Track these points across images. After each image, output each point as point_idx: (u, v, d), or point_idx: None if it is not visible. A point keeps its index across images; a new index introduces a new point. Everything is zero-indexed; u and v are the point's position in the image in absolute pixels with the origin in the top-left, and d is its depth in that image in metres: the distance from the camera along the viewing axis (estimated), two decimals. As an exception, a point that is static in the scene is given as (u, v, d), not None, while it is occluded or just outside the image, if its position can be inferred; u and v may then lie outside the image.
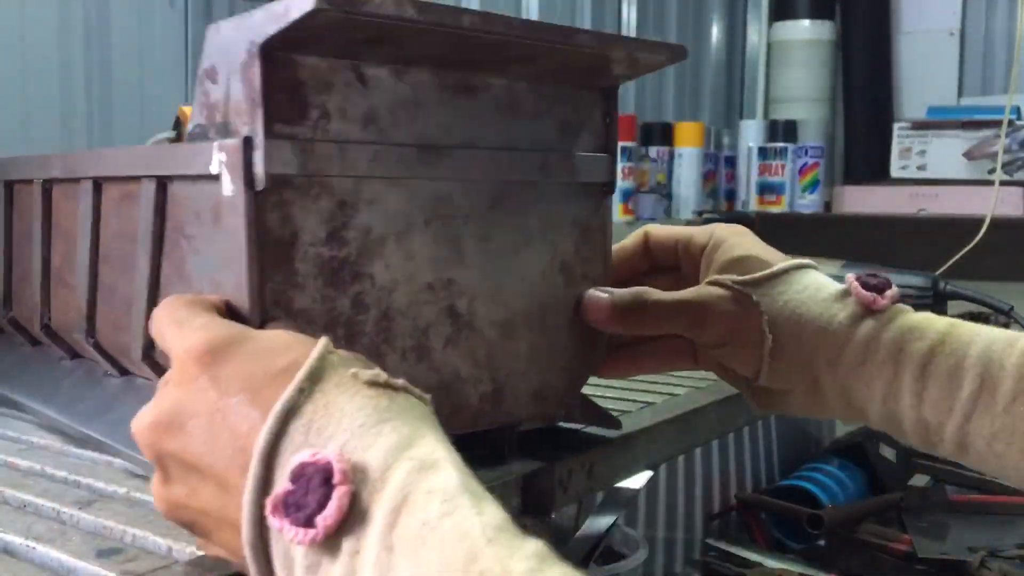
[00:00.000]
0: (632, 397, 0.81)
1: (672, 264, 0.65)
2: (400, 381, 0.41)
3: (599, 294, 0.59)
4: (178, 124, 1.05)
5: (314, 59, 0.48)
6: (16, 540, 0.49)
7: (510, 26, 0.48)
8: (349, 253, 0.50)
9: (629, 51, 0.54)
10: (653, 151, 2.38)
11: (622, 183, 2.20)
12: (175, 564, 0.46)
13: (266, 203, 0.47)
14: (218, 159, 0.48)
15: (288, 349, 0.41)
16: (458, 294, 0.55)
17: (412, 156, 0.52)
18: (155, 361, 0.60)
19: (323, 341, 0.41)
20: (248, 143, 0.47)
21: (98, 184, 0.67)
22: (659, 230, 0.65)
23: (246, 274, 0.47)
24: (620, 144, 2.19)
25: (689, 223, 1.65)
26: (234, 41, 0.48)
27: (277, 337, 0.43)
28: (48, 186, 0.75)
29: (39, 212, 0.76)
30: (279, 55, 0.47)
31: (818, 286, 0.57)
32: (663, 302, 0.57)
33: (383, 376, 0.40)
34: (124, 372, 0.68)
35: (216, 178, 0.49)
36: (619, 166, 2.20)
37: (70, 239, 0.71)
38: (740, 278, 0.58)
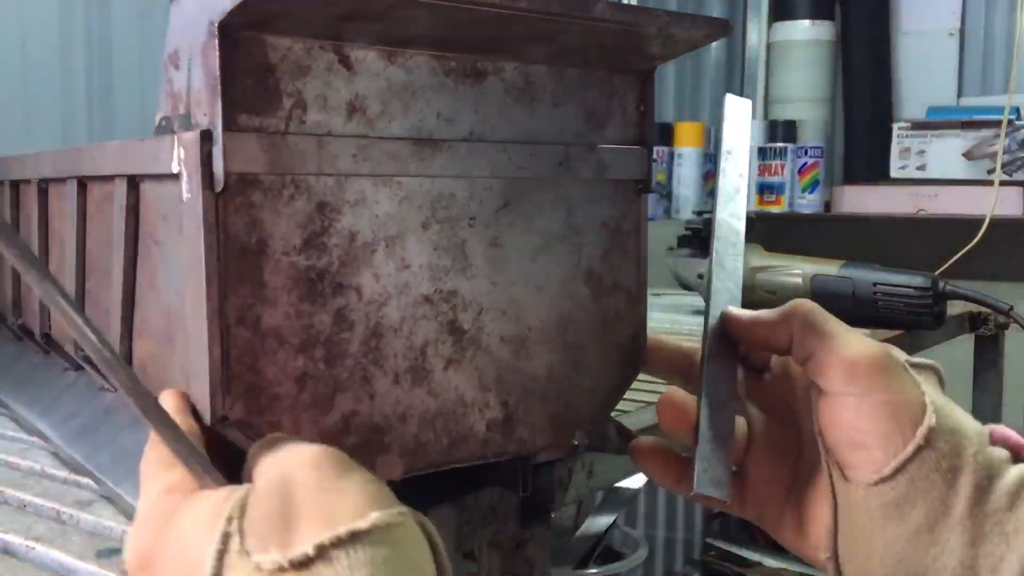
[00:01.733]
0: (632, 397, 0.73)
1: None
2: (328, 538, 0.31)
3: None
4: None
5: (287, 39, 0.39)
6: (16, 540, 0.47)
7: (514, -2, 0.39)
8: (330, 262, 0.41)
9: (660, 26, 0.44)
10: (653, 151, 2.30)
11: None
12: (174, 563, 0.41)
13: (229, 206, 0.38)
14: (177, 156, 0.40)
15: (197, 547, 0.33)
16: (462, 307, 0.46)
17: (405, 151, 0.43)
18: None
19: (219, 529, 0.32)
20: (206, 137, 0.38)
21: (83, 184, 0.59)
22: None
23: (204, 288, 0.38)
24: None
25: (689, 222, 1.57)
26: (195, 21, 0.38)
27: (189, 536, 0.34)
28: (44, 186, 0.68)
29: (36, 213, 0.69)
30: (244, 35, 0.37)
31: None
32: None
33: (297, 552, 0.31)
34: (119, 386, 0.60)
35: (178, 177, 0.40)
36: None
37: (62, 243, 0.64)
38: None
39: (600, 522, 1.94)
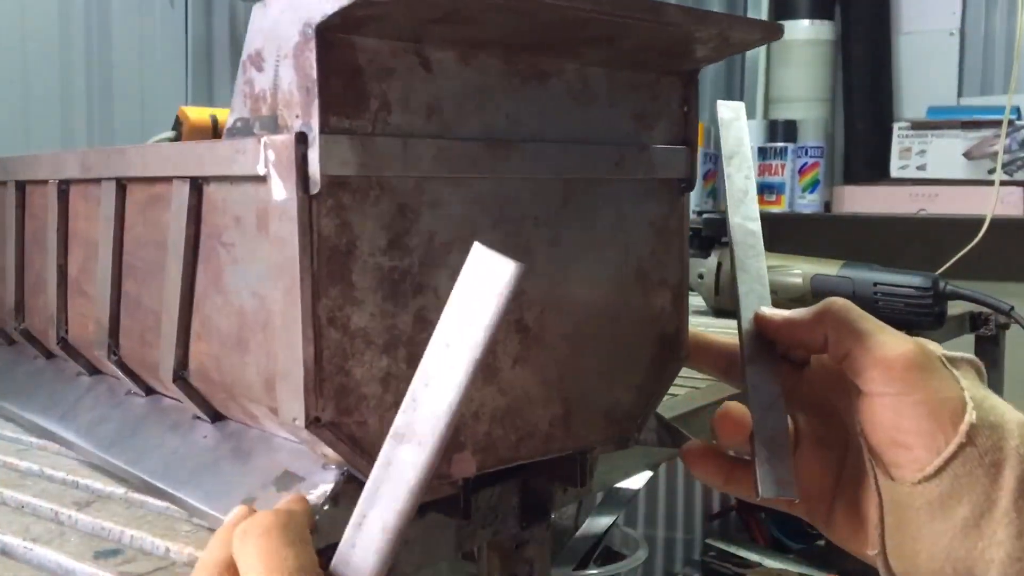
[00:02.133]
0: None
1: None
2: None
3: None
4: (178, 124, 0.99)
5: (374, 41, 0.40)
6: (14, 541, 0.47)
7: (597, 1, 0.41)
8: (411, 263, 0.42)
9: (721, 29, 0.46)
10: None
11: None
12: (173, 565, 0.44)
13: (321, 208, 0.39)
14: (266, 157, 0.41)
15: None
16: (527, 306, 0.47)
17: (480, 152, 0.44)
18: (187, 382, 0.53)
19: None
20: (302, 139, 0.39)
21: (121, 185, 0.60)
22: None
23: (298, 289, 0.39)
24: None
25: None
26: (285, 22, 0.40)
27: None
28: (64, 187, 0.68)
29: (54, 215, 0.68)
30: (336, 37, 0.39)
31: None
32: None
33: None
34: (150, 391, 0.60)
35: (262, 179, 0.41)
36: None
37: (89, 245, 0.64)
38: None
39: (600, 522, 1.96)
